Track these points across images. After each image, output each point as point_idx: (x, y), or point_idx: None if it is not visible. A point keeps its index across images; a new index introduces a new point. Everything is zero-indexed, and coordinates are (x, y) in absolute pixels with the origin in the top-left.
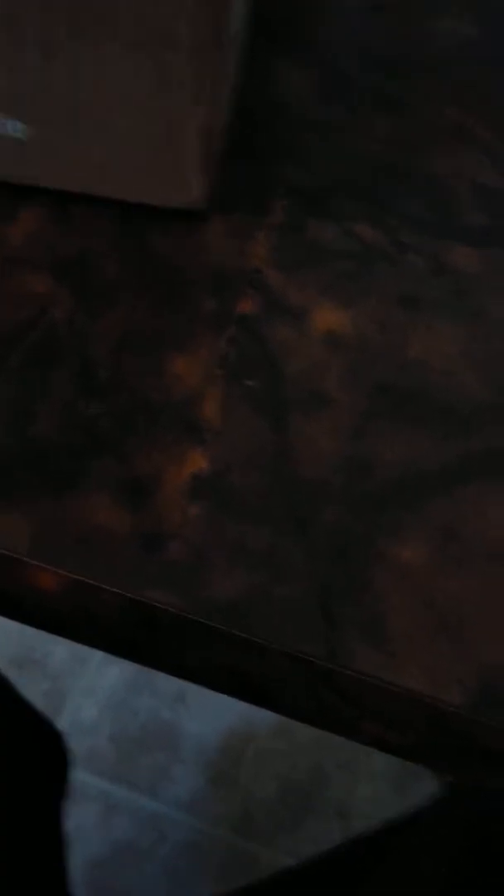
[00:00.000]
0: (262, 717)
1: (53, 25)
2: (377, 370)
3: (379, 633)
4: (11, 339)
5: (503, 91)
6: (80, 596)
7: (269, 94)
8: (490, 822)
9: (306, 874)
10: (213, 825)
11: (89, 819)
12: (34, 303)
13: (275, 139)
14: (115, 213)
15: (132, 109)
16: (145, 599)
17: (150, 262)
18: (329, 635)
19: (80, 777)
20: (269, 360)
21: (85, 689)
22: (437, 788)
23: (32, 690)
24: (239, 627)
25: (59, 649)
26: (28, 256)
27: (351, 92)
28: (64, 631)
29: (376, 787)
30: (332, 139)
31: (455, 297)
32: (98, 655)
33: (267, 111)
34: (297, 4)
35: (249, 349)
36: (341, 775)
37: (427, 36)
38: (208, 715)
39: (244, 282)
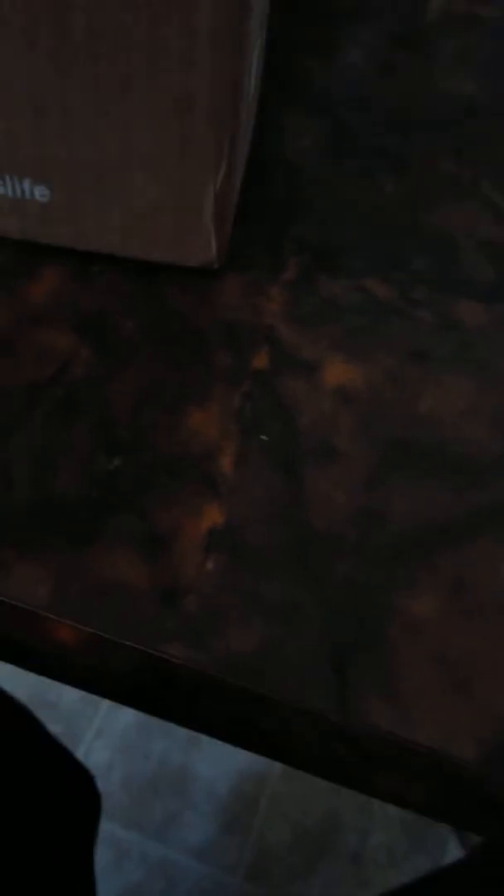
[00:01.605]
0: (276, 762)
1: (75, 95)
2: (388, 424)
3: (392, 687)
4: (34, 394)
5: None
6: (97, 649)
7: (280, 152)
8: None
9: None
10: (224, 871)
11: (100, 864)
12: (56, 359)
13: (286, 197)
14: (134, 271)
15: (152, 173)
16: (161, 654)
17: (168, 318)
18: (342, 690)
19: None
20: (282, 414)
21: (97, 732)
22: (458, 842)
23: None
24: (253, 682)
25: (72, 691)
26: (50, 314)
27: (359, 150)
28: (80, 683)
29: (390, 833)
30: (342, 196)
31: (463, 351)
32: None
33: (278, 169)
34: (307, 65)
35: (264, 403)
36: (355, 820)
37: (433, 95)
38: (221, 758)
39: (259, 337)
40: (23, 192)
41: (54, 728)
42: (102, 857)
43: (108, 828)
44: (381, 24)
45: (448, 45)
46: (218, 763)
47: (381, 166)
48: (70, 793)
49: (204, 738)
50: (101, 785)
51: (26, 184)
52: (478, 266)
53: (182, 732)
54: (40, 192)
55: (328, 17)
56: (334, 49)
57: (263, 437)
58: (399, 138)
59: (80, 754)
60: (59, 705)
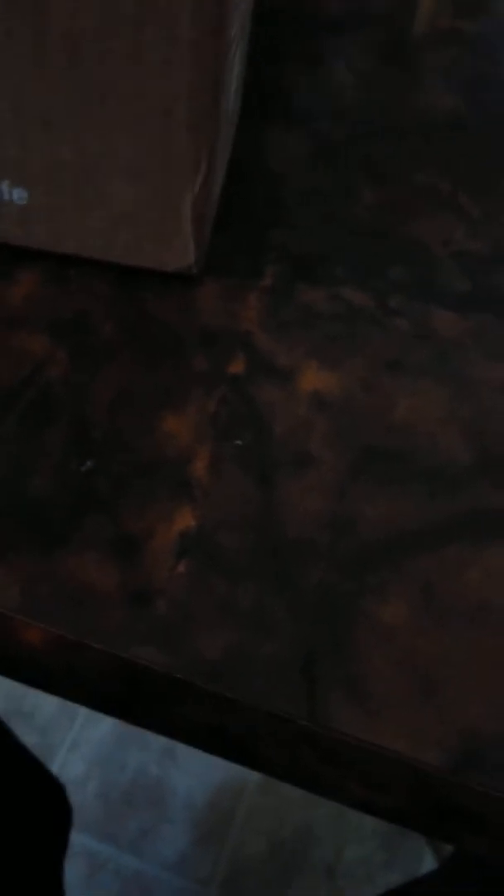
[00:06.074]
0: (252, 774)
1: (56, 99)
2: (363, 431)
3: (360, 693)
4: (8, 397)
5: (484, 160)
6: (66, 652)
7: (260, 160)
8: (494, 889)
9: None
10: (199, 885)
11: (74, 876)
12: (31, 362)
13: (266, 205)
14: (112, 275)
15: (132, 179)
16: (130, 657)
17: (145, 323)
18: (311, 695)
19: None
20: (257, 420)
21: (72, 744)
22: (434, 855)
23: None
24: (222, 686)
25: (48, 702)
26: (26, 316)
27: (340, 160)
28: (49, 686)
29: (365, 846)
30: (321, 205)
31: (438, 361)
32: (86, 709)
33: (258, 177)
34: (290, 76)
35: (239, 409)
36: (331, 833)
37: (412, 107)
38: (197, 771)
39: (235, 343)
40: (1, 194)
41: (29, 739)
42: (76, 869)
43: (82, 840)
44: (364, 36)
45: (430, 59)
46: (194, 776)
47: (360, 177)
48: (40, 804)
49: (180, 751)
50: (75, 797)
51: (4, 186)
52: (453, 276)
53: (158, 745)
54: (18, 195)
55: (312, 29)
56: (317, 61)
57: (238, 443)
58: (379, 150)
59: (55, 766)
60: (34, 716)
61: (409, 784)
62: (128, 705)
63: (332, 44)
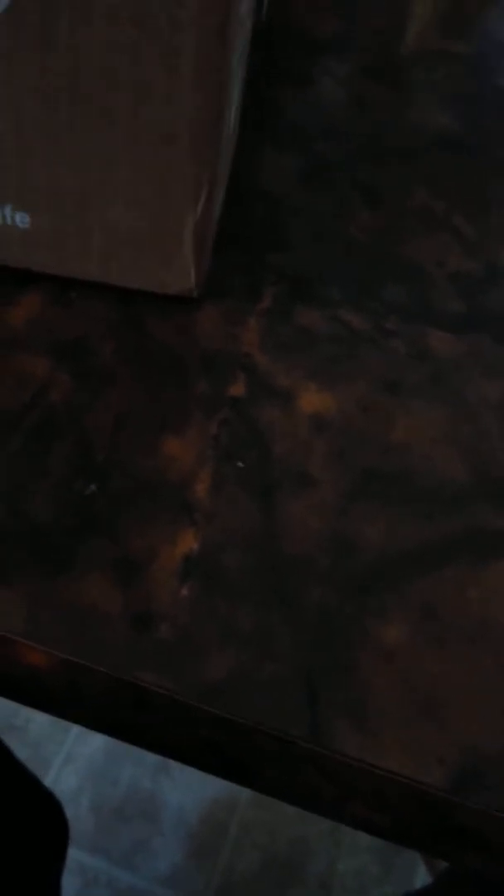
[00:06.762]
0: (246, 788)
1: (59, 128)
2: (361, 452)
3: (362, 713)
4: (11, 419)
5: (479, 180)
6: (70, 676)
7: (257, 182)
8: None
9: None
10: None
11: (67, 891)
12: (33, 384)
13: (264, 227)
14: (113, 298)
15: (133, 203)
16: (134, 680)
17: (146, 346)
18: (314, 716)
19: None
20: (258, 441)
21: (66, 758)
22: (427, 868)
23: None
24: (225, 708)
25: (41, 716)
26: (28, 339)
27: (335, 181)
28: (52, 709)
29: (360, 860)
30: (318, 227)
31: (435, 381)
32: None
33: (256, 199)
34: (284, 98)
35: (240, 431)
36: (325, 847)
37: (407, 128)
38: (191, 785)
39: (235, 365)
40: (4, 218)
41: (22, 753)
42: (69, 884)
43: (75, 855)
44: (356, 58)
45: (422, 79)
46: (187, 790)
47: (355, 198)
48: (38, 821)
49: (173, 765)
50: (68, 811)
51: (7, 210)
52: (449, 297)
53: (151, 759)
54: (21, 219)
55: (304, 50)
56: (310, 82)
57: (239, 464)
58: (373, 170)
59: (48, 780)
60: (27, 730)
61: (409, 804)
62: (130, 727)
63: (326, 64)
